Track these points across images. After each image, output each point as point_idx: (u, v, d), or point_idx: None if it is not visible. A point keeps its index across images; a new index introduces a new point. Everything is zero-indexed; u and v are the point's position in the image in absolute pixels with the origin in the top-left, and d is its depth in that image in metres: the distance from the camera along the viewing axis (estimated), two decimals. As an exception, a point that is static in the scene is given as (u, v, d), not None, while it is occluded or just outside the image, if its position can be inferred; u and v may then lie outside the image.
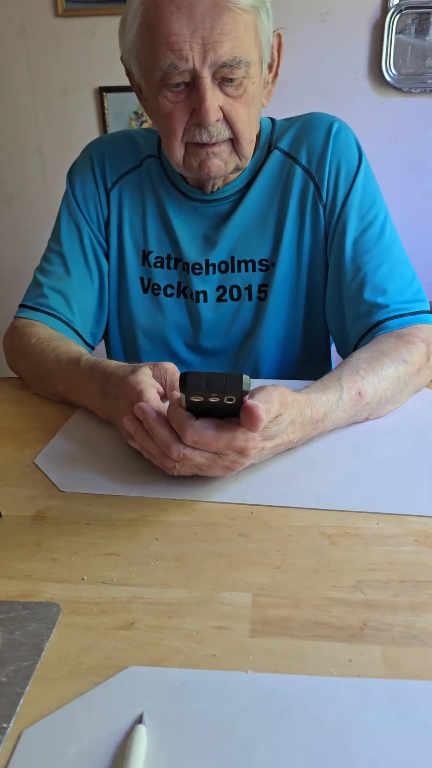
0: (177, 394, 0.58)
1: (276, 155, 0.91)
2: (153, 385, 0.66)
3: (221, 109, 0.78)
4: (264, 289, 0.93)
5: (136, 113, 1.87)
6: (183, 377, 0.53)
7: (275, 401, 0.57)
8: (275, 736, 0.38)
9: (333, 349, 1.02)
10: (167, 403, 0.61)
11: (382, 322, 0.82)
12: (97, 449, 0.71)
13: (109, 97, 1.87)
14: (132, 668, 0.43)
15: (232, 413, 0.56)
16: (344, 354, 0.93)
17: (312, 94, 1.86)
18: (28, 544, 0.56)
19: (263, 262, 0.92)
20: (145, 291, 0.97)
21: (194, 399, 0.54)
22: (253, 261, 0.92)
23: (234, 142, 0.81)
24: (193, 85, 0.76)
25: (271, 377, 0.98)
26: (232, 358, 0.98)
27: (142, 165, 0.96)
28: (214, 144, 0.80)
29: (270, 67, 0.84)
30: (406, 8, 1.83)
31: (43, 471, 0.68)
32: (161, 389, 0.67)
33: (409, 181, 2.00)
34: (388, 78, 1.89)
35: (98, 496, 0.63)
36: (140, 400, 0.62)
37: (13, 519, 0.60)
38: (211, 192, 0.91)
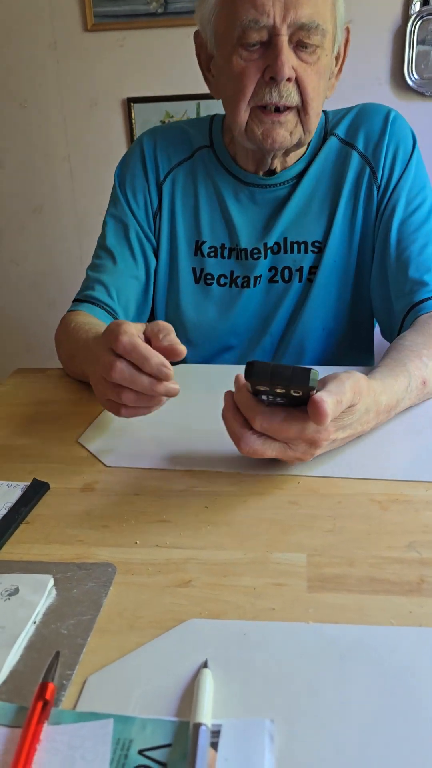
0: (242, 379, 0.56)
1: (332, 141, 0.92)
2: (135, 327, 0.62)
3: (294, 70, 0.78)
4: (314, 271, 0.93)
5: (162, 122, 1.91)
6: (249, 366, 0.52)
7: (348, 390, 0.55)
8: (339, 680, 0.38)
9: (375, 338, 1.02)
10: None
11: (425, 300, 0.84)
12: (139, 428, 0.72)
13: (136, 107, 1.91)
14: (192, 620, 0.43)
15: (301, 402, 0.54)
16: (389, 334, 0.93)
17: (337, 98, 1.88)
18: (78, 512, 0.57)
19: (316, 244, 0.93)
20: (197, 281, 0.97)
21: (260, 387, 0.53)
22: (306, 242, 0.92)
23: (301, 112, 0.81)
24: (269, 45, 0.78)
25: (316, 363, 0.96)
26: (276, 342, 0.97)
27: (194, 156, 0.96)
28: (280, 113, 0.80)
29: (336, 58, 0.86)
30: (427, 15, 1.85)
31: (88, 449, 0.69)
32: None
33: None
34: (410, 82, 1.91)
35: (144, 470, 0.64)
36: (119, 339, 0.59)
37: (62, 490, 0.61)
38: (266, 176, 0.91)
